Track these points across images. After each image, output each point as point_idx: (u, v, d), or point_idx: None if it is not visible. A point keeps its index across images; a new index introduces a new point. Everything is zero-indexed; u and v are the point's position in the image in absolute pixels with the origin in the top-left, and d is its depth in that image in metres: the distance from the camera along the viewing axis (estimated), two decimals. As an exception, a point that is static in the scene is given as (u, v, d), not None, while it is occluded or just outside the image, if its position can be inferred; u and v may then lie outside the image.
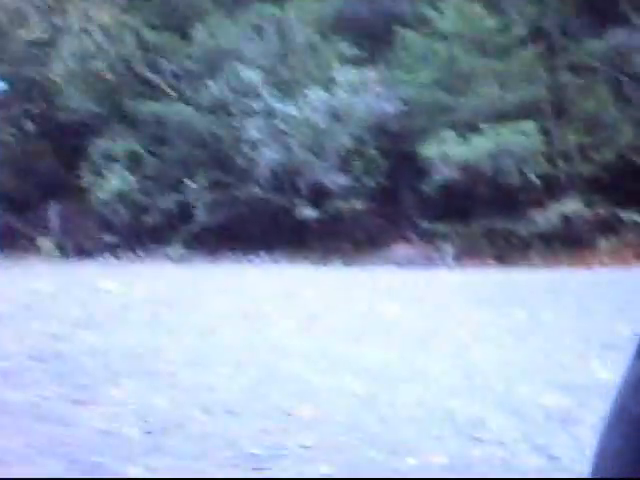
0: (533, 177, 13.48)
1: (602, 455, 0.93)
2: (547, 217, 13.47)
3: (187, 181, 16.54)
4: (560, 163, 13.70)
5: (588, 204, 13.46)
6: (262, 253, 15.71)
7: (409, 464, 3.26)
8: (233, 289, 10.38)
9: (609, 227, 13.61)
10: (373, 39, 15.53)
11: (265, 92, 16.07)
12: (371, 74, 15.24)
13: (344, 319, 7.50)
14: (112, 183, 16.06)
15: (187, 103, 16.61)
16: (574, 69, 13.91)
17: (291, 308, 8.32)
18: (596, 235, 13.63)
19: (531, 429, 3.85)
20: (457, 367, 5.26)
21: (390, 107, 15.03)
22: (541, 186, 13.63)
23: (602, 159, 13.42)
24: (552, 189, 13.71)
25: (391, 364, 5.42)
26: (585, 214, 13.51)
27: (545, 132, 13.50)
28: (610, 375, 4.91)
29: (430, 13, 14.72)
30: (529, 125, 13.17)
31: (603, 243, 13.46)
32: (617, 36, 13.58)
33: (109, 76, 17.15)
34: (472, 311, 7.62)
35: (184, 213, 16.21)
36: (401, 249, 15.31)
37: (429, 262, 14.21)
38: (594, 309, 7.72)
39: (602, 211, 13.53)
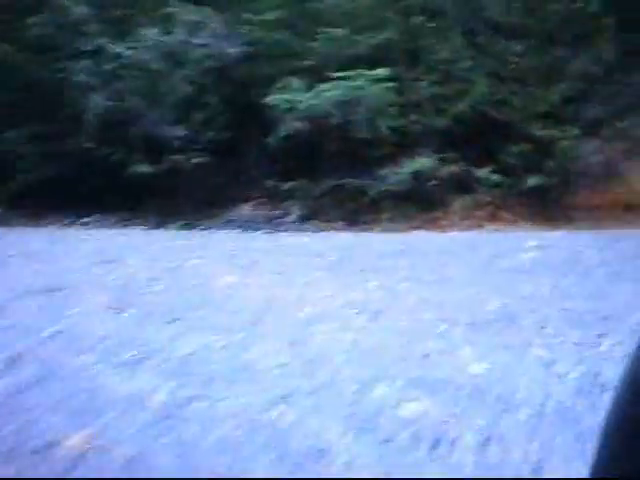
0: (385, 130, 12.53)
1: (602, 455, 0.97)
2: (399, 174, 12.56)
3: (8, 131, 14.69)
4: (413, 115, 12.79)
5: (441, 161, 12.64)
6: (93, 214, 14.17)
7: None
8: (45, 257, 8.92)
9: (463, 186, 12.86)
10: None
11: (95, 30, 14.39)
12: (212, 13, 13.86)
13: (167, 293, 6.26)
14: None
15: (8, 42, 14.66)
16: (428, 14, 12.98)
17: (106, 280, 7.00)
18: (449, 194, 12.85)
19: (391, 461, 2.78)
20: (295, 358, 4.15)
21: (233, 51, 13.72)
22: (393, 140, 12.71)
23: (456, 112, 12.60)
24: (404, 144, 12.81)
25: (212, 355, 4.25)
26: (438, 172, 12.69)
27: (397, 81, 12.53)
28: (484, 367, 3.93)
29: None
30: (382, 73, 12.15)
31: (457, 203, 12.69)
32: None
33: None
34: (317, 281, 6.54)
35: (4, 168, 14.37)
36: (244, 209, 14.12)
37: (274, 224, 13.09)
38: (453, 278, 6.80)
39: (456, 169, 12.75)
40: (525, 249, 8.45)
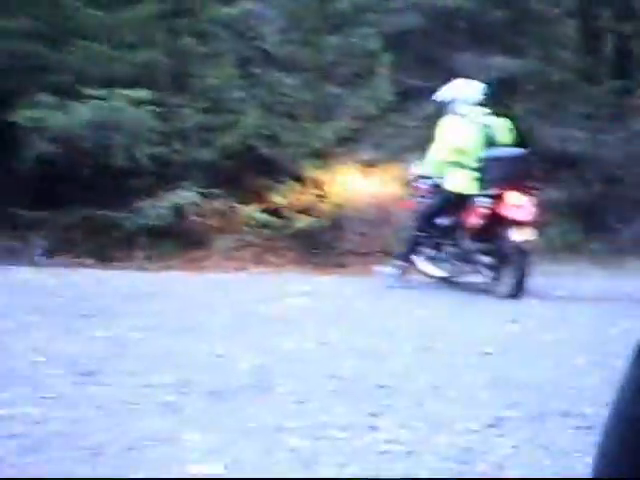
0: (145, 159, 11.27)
1: (602, 457, 0.99)
2: (157, 208, 11.29)
3: None
4: (176, 145, 11.62)
5: (205, 196, 11.55)
6: None
7: None
8: None
9: (227, 225, 11.81)
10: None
11: None
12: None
13: None
14: None
15: None
16: (199, 37, 11.95)
17: None
18: (213, 233, 11.73)
19: None
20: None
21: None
22: (153, 170, 11.46)
23: (224, 144, 11.58)
24: (166, 175, 11.61)
25: None
26: (201, 208, 11.57)
27: (161, 106, 11.35)
28: (218, 468, 2.78)
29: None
30: (143, 95, 10.93)
31: (220, 243, 11.57)
32: (248, 5, 11.91)
33: None
34: (29, 327, 5.18)
35: None
36: (-18, 239, 12.27)
37: (15, 257, 11.36)
38: (204, 327, 5.67)
39: (221, 205, 11.71)
40: (291, 295, 7.51)
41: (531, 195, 8.16)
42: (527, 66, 14.56)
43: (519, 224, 7.88)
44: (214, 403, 3.51)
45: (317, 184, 11.65)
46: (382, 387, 3.87)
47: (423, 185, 8.91)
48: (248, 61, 12.15)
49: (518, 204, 7.95)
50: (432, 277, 8.85)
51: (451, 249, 8.67)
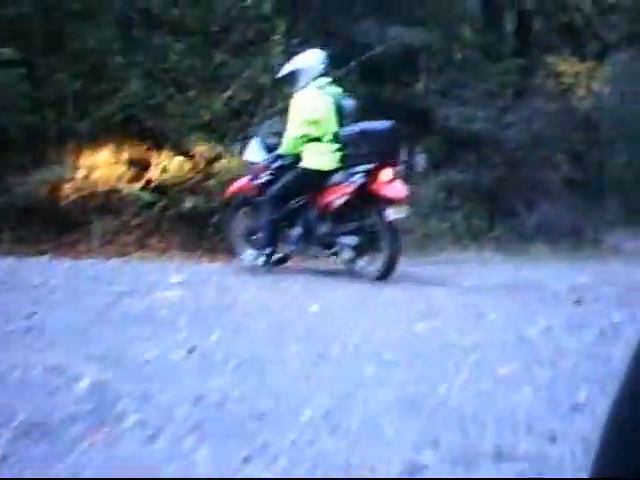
0: (14, 128, 10.08)
1: (602, 457, 0.94)
2: (29, 186, 10.12)
3: None
4: (51, 113, 10.43)
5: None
6: None
7: None
8: None
9: (107, 204, 10.67)
10: None
11: None
12: None
13: None
14: None
15: None
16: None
17: None
18: (91, 213, 10.57)
19: None
20: None
21: None
22: (24, 142, 10.27)
23: (103, 114, 10.47)
24: (38, 147, 10.44)
25: None
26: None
27: (31, 69, 10.14)
28: None
29: None
30: (9, 54, 9.67)
31: (98, 224, 10.40)
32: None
33: None
34: None
35: None
36: None
37: None
38: (46, 327, 4.69)
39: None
40: (167, 287, 6.57)
41: (400, 170, 7.63)
42: (427, 38, 13.92)
43: (392, 201, 7.25)
44: (26, 446, 2.57)
45: (206, 160, 10.69)
46: (261, 415, 3.00)
47: (269, 164, 8.25)
48: (130, 23, 11.03)
49: (389, 181, 7.31)
50: (269, 264, 8.18)
51: (305, 231, 7.97)
